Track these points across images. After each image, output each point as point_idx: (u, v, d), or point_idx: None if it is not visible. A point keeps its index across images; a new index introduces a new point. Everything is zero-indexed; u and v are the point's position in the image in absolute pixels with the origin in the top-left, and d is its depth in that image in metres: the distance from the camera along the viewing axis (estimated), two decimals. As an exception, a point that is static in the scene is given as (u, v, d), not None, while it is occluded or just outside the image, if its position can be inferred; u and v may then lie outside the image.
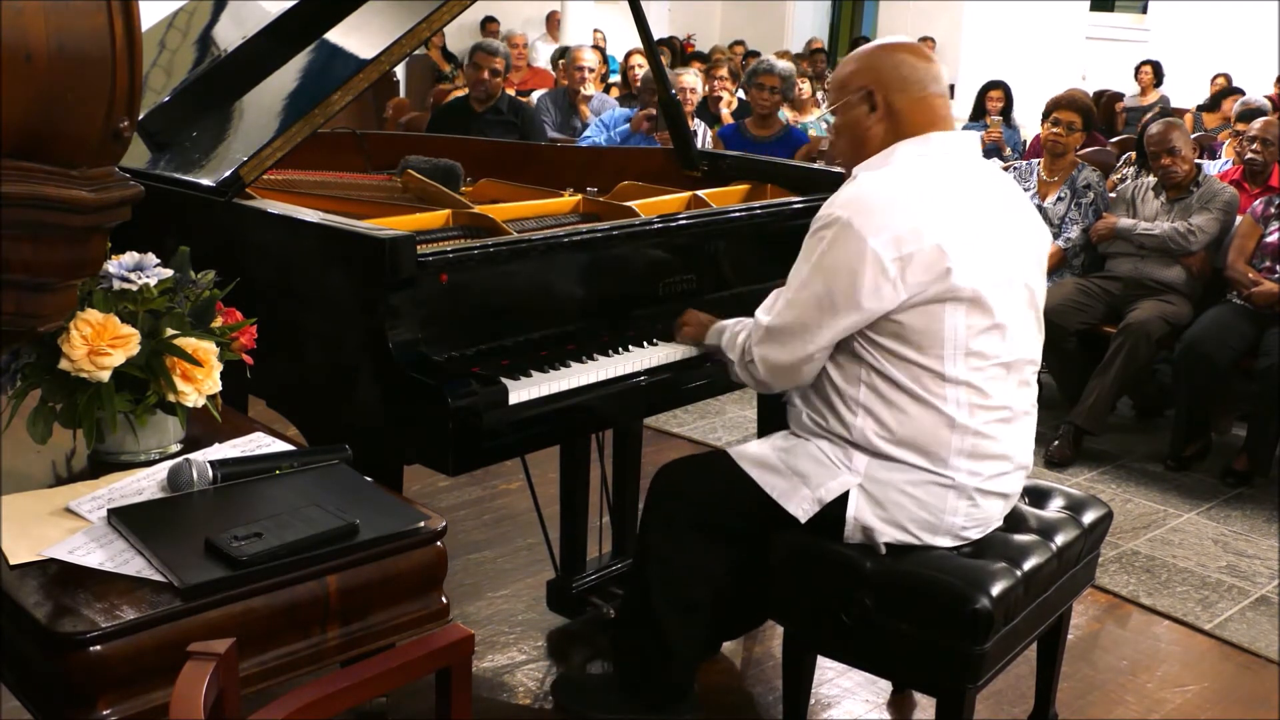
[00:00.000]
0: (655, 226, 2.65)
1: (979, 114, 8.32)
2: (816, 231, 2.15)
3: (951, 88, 12.20)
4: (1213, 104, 8.92)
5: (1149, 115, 7.84)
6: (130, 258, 1.82)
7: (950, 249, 2.07)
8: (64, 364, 1.72)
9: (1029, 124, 8.38)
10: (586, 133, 5.80)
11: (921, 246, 2.06)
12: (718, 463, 2.36)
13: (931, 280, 2.07)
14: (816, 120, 7.48)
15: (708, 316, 2.49)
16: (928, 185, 2.13)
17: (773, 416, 2.86)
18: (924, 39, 12.30)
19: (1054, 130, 4.96)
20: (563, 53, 8.47)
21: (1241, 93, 8.85)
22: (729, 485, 2.30)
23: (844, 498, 2.20)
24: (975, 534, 2.24)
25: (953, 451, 2.16)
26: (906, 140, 2.19)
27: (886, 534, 2.20)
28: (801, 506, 2.22)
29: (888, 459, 2.17)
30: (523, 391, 2.23)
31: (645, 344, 2.49)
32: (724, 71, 7.64)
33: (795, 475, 2.24)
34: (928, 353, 2.12)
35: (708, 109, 7.06)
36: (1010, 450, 2.23)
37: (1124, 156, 6.01)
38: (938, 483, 2.17)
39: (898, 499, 2.18)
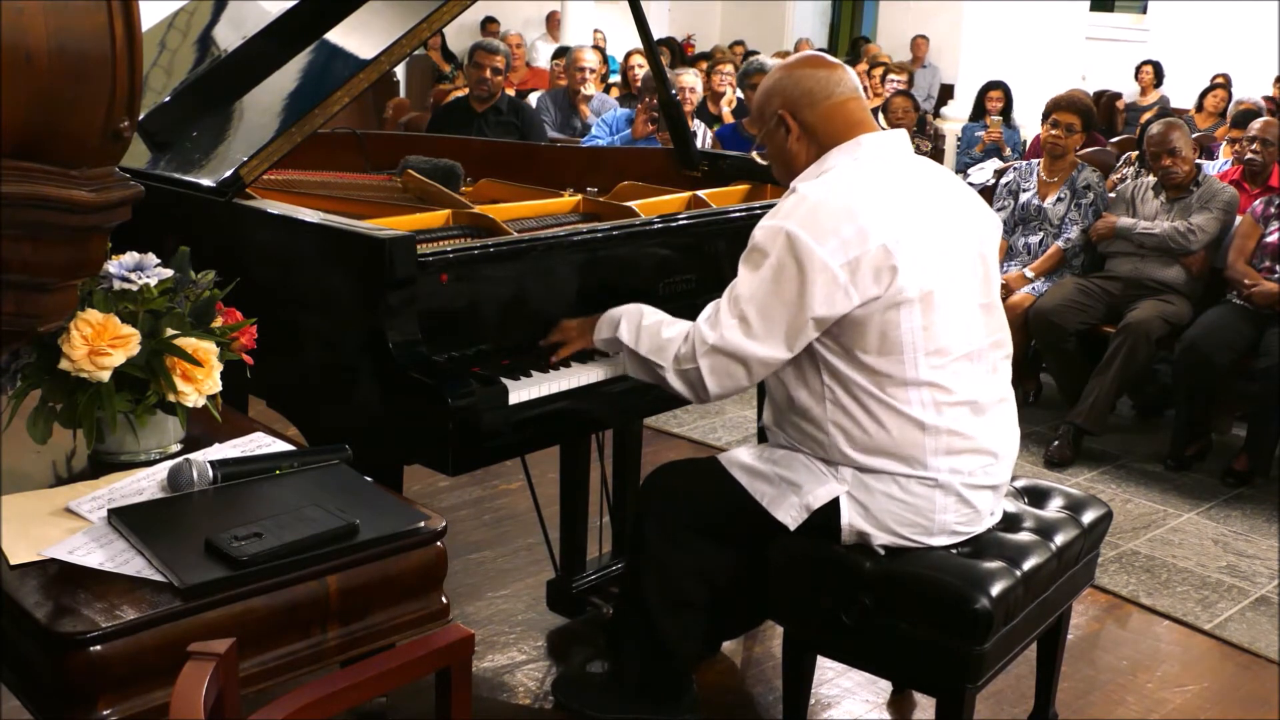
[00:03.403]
0: (655, 226, 2.65)
1: (979, 114, 8.32)
2: (759, 244, 2.12)
3: (951, 87, 12.21)
4: (1198, 104, 8.93)
5: (1148, 115, 7.86)
6: (130, 258, 1.82)
7: (896, 249, 2.07)
8: (64, 364, 1.72)
9: (1029, 124, 8.38)
10: (592, 132, 5.81)
11: (868, 249, 2.06)
12: (708, 467, 2.36)
13: (882, 285, 2.07)
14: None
15: (579, 320, 2.39)
16: (866, 188, 2.13)
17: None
18: (919, 38, 12.31)
19: (1053, 132, 4.96)
20: (563, 53, 8.47)
21: (1225, 88, 8.86)
22: (719, 490, 2.30)
23: (834, 504, 2.20)
24: (970, 529, 2.25)
25: (928, 453, 2.16)
26: (837, 147, 2.20)
27: (881, 538, 2.20)
28: (790, 514, 2.22)
29: (869, 470, 2.18)
30: (523, 391, 2.23)
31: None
32: (728, 68, 7.63)
33: (784, 483, 2.24)
34: (888, 359, 2.12)
35: (708, 109, 7.06)
36: (988, 443, 2.22)
37: (1124, 156, 6.00)
38: (923, 483, 2.17)
39: (886, 505, 2.18)
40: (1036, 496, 2.51)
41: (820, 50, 12.44)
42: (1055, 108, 5.01)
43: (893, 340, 2.11)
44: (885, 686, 2.84)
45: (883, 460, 2.17)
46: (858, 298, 2.07)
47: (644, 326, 2.27)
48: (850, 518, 2.19)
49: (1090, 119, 5.07)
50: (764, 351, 2.12)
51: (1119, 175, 5.57)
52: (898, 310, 2.09)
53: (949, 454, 2.17)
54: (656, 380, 2.26)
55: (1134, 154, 5.73)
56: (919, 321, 2.11)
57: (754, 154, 2.33)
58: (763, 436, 2.49)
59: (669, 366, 2.21)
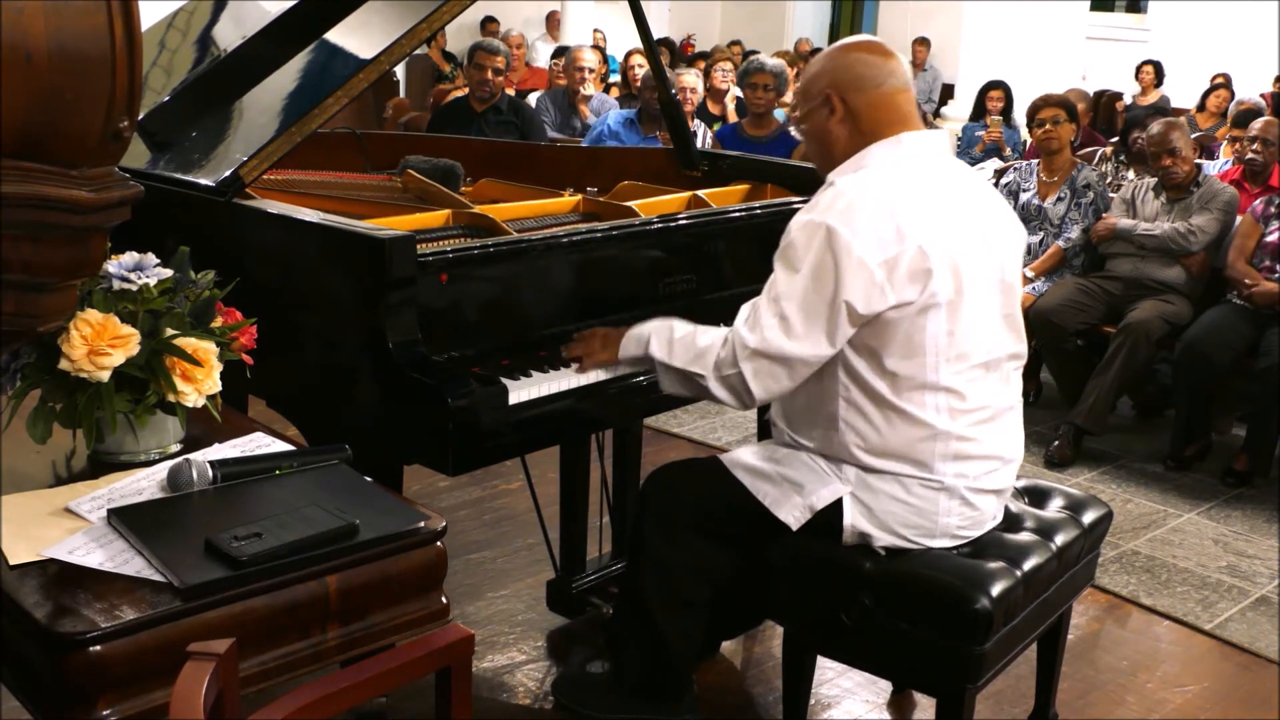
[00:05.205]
0: (655, 226, 2.65)
1: (979, 114, 8.32)
2: (796, 240, 2.10)
3: (951, 88, 12.22)
4: (1200, 104, 8.95)
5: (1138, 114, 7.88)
6: (130, 258, 1.82)
7: (931, 251, 2.06)
8: (64, 364, 1.72)
9: (1029, 124, 8.38)
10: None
11: (905, 249, 2.04)
12: (710, 467, 2.35)
13: (917, 288, 2.06)
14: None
15: (607, 330, 2.36)
16: (905, 187, 2.12)
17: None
18: (917, 43, 12.30)
19: (1041, 130, 4.97)
20: (562, 53, 8.47)
21: (1227, 88, 8.88)
22: (721, 490, 2.29)
23: (837, 505, 2.19)
24: (972, 533, 2.24)
25: (937, 457, 2.15)
26: (879, 142, 2.17)
27: (883, 539, 2.19)
28: (793, 514, 2.21)
29: (876, 471, 2.17)
30: (523, 391, 2.23)
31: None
32: (727, 65, 7.64)
33: (787, 483, 2.23)
34: (910, 362, 2.10)
35: (708, 109, 7.06)
36: (996, 448, 2.22)
37: (1099, 152, 6.02)
38: (928, 486, 2.16)
39: (890, 507, 2.17)
40: (1037, 496, 2.51)
41: (818, 50, 12.39)
42: (1035, 110, 5.03)
43: (917, 344, 2.09)
44: (885, 686, 2.84)
45: (890, 462, 2.16)
46: (893, 298, 2.05)
47: (676, 339, 2.23)
48: (853, 518, 2.18)
49: (1072, 109, 5.07)
50: (807, 350, 2.09)
51: (1099, 172, 5.57)
52: (925, 314, 2.08)
53: (957, 459, 2.16)
54: (697, 392, 2.23)
55: (1109, 149, 5.75)
56: (944, 327, 2.10)
57: (790, 129, 2.30)
58: (763, 435, 2.49)
59: (710, 375, 2.17)
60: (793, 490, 2.22)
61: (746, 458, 2.32)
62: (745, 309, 2.16)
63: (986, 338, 2.17)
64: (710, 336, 2.20)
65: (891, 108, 2.19)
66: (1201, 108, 8.90)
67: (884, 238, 2.04)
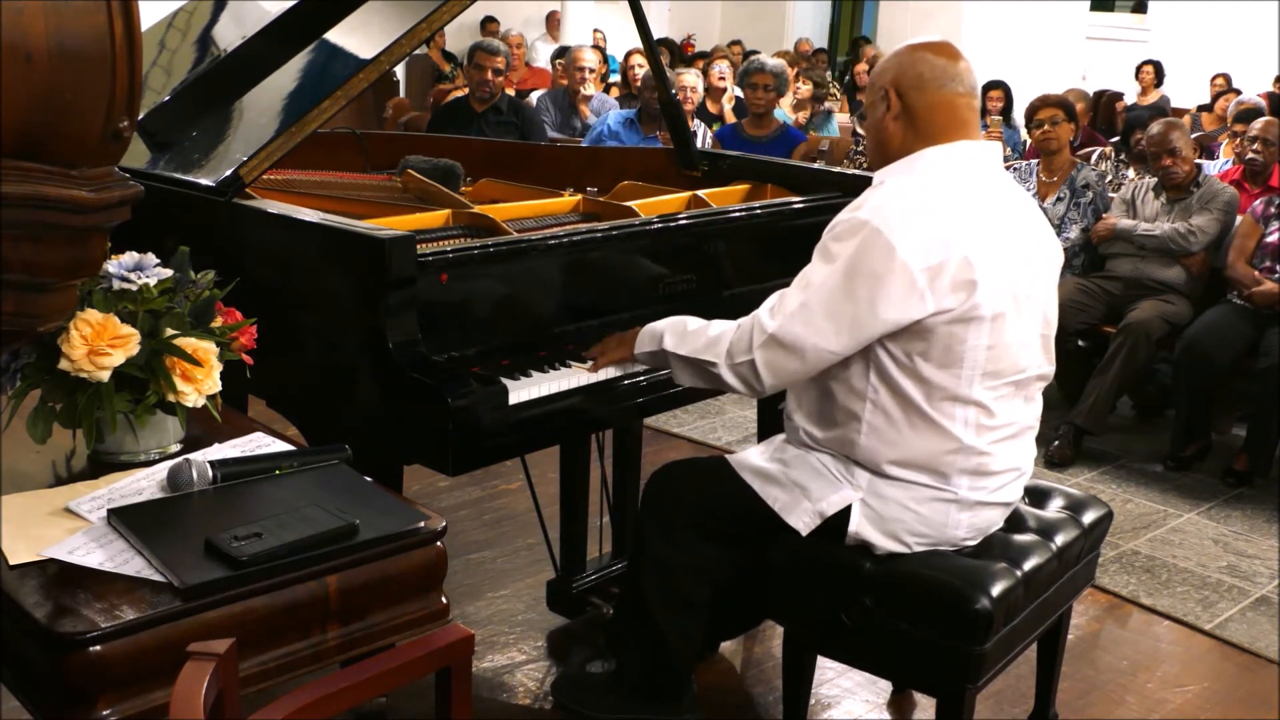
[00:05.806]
0: (655, 226, 2.65)
1: (979, 114, 8.32)
2: (838, 235, 2.07)
3: (952, 88, 12.20)
4: (1209, 106, 8.96)
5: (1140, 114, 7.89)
6: (130, 258, 1.82)
7: (977, 262, 2.03)
8: (64, 364, 1.72)
9: (1029, 124, 8.38)
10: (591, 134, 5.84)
11: (950, 257, 2.02)
12: (716, 468, 2.34)
13: (959, 296, 2.03)
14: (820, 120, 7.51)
15: (622, 334, 2.38)
16: (955, 195, 2.09)
17: (773, 418, 2.86)
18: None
19: (1039, 130, 4.97)
20: (563, 53, 8.47)
21: (1238, 93, 8.90)
22: (727, 492, 2.29)
23: (845, 510, 2.18)
24: (974, 542, 2.24)
25: (956, 470, 2.14)
26: (933, 147, 2.14)
27: (886, 546, 2.18)
28: (802, 519, 2.20)
29: (891, 478, 2.15)
30: (523, 391, 2.23)
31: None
32: (724, 63, 7.64)
33: (796, 487, 2.22)
34: (946, 372, 2.08)
35: (707, 109, 7.06)
36: (1013, 463, 2.22)
37: (1098, 151, 6.02)
38: (940, 498, 2.16)
39: (900, 515, 2.16)
40: (1037, 496, 2.51)
41: (820, 50, 12.28)
42: (1033, 111, 5.04)
43: (955, 354, 2.07)
44: (885, 686, 2.84)
45: (908, 470, 2.14)
46: (932, 305, 2.03)
47: (689, 332, 2.24)
48: (859, 525, 2.17)
49: (1070, 109, 5.08)
50: (822, 343, 2.07)
51: (1098, 171, 5.58)
52: (966, 326, 2.06)
53: (975, 474, 2.15)
54: (710, 381, 2.23)
55: (1108, 149, 5.74)
56: (985, 341, 2.08)
57: (854, 122, 2.30)
58: (763, 435, 2.48)
59: (722, 363, 2.17)
60: (802, 495, 2.21)
61: (754, 460, 2.31)
62: (773, 296, 2.15)
63: (1022, 357, 2.15)
64: (723, 326, 2.20)
65: (950, 111, 2.15)
66: (1209, 108, 8.90)
67: (929, 244, 2.02)
